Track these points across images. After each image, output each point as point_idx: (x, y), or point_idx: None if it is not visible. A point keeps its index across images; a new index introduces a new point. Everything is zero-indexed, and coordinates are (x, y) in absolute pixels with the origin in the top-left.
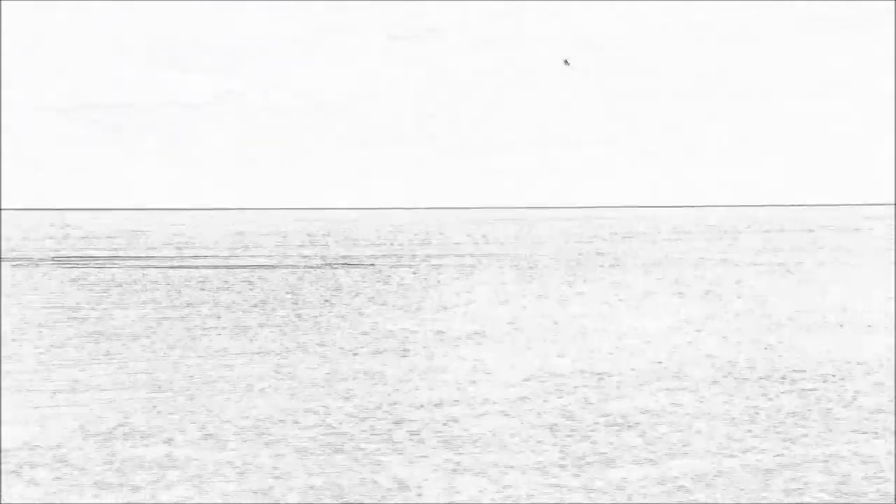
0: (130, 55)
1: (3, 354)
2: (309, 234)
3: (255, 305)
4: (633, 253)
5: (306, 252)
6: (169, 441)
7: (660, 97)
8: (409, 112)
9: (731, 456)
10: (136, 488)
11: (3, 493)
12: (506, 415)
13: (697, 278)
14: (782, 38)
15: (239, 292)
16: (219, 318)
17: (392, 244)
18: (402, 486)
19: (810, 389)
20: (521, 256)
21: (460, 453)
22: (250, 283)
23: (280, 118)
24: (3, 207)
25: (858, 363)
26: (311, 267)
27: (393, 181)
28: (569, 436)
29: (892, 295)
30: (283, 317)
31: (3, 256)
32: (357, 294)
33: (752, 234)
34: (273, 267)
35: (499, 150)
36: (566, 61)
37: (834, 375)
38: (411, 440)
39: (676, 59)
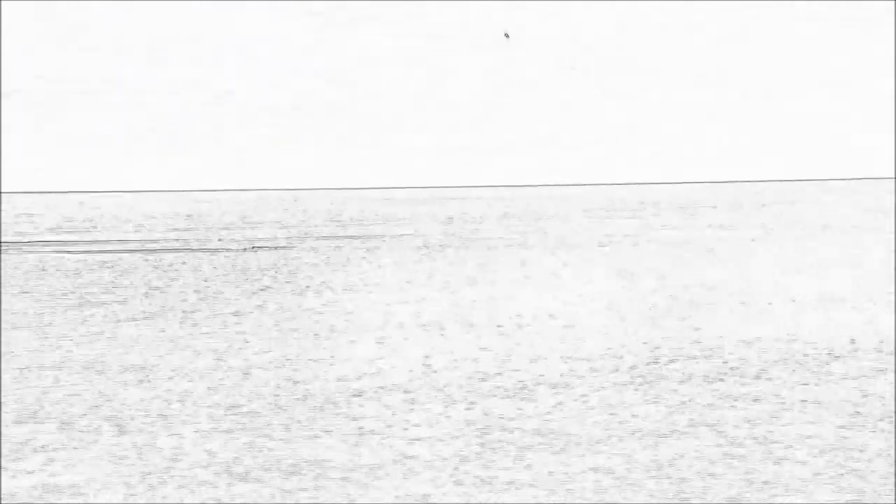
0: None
1: None
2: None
3: (159, 290)
4: (571, 231)
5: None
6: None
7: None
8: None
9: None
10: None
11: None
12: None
13: (612, 257)
14: (782, 36)
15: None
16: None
17: (298, 226)
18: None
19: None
20: (435, 236)
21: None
22: (156, 267)
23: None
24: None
25: (747, 341)
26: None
27: (297, 159)
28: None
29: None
30: (190, 303)
31: None
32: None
33: (708, 211)
34: (179, 251)
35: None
36: (506, 34)
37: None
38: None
39: (664, 54)
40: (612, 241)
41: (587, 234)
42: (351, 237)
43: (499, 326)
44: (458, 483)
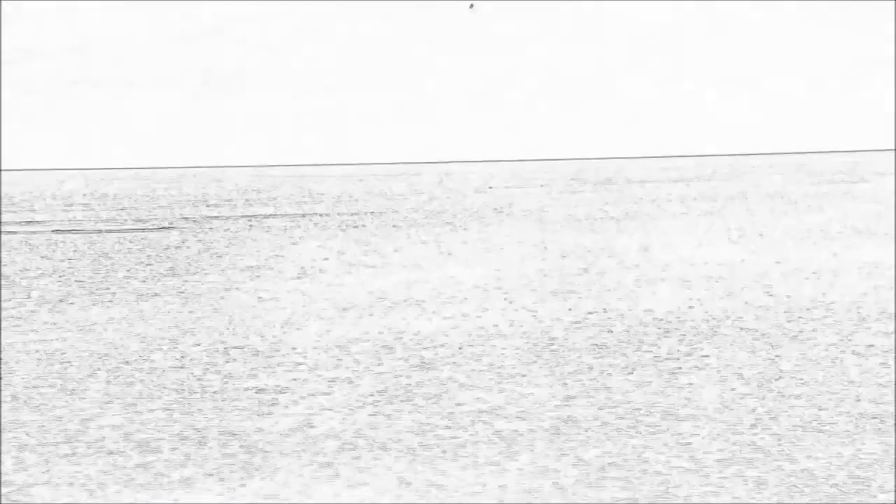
0: None
1: None
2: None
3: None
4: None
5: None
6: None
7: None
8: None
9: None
10: None
11: (2, 495)
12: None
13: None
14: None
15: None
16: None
17: (197, 204)
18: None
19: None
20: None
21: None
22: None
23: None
24: None
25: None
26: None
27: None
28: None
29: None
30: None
31: None
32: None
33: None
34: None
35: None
36: (471, 4)
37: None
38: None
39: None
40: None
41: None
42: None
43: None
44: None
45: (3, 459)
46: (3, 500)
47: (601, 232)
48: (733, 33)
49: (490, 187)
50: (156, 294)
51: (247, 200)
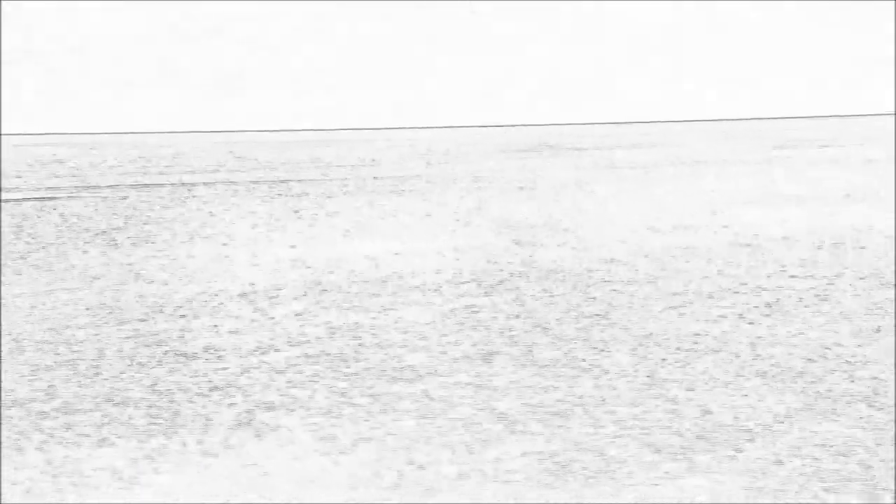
0: None
1: None
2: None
3: None
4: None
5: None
6: None
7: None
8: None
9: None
10: None
11: (2, 494)
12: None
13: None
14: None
15: None
16: None
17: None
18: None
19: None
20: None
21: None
22: None
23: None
24: None
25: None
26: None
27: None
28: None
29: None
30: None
31: None
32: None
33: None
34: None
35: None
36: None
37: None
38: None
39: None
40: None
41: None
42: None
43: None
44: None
45: None
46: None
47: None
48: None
49: (428, 155)
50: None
51: (170, 168)
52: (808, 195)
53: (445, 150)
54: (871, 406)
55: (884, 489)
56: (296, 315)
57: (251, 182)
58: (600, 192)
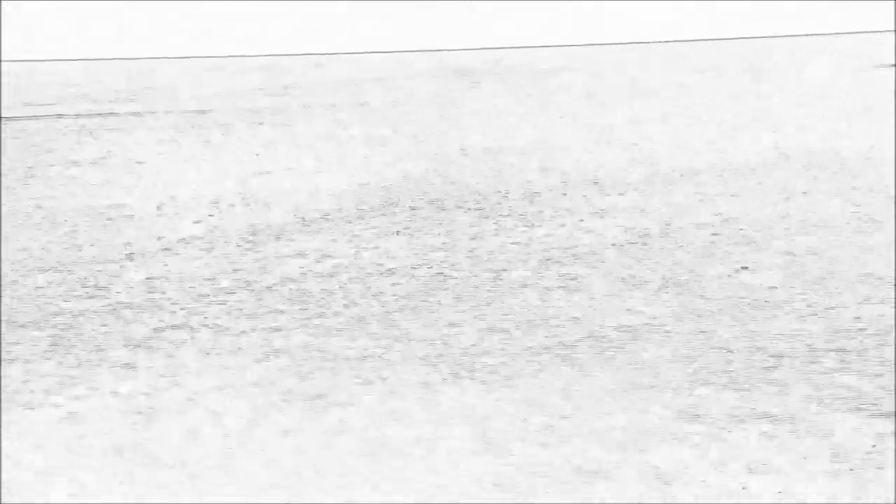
0: None
1: None
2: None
3: None
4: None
5: None
6: None
7: None
8: None
9: None
10: None
11: (2, 494)
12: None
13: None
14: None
15: None
16: None
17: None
18: None
19: None
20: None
21: None
22: None
23: None
24: None
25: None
26: None
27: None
28: None
29: None
30: None
31: None
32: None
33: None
34: None
35: None
36: None
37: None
38: None
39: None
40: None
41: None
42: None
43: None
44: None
45: None
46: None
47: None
48: None
49: (353, 81)
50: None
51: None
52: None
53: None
54: None
55: None
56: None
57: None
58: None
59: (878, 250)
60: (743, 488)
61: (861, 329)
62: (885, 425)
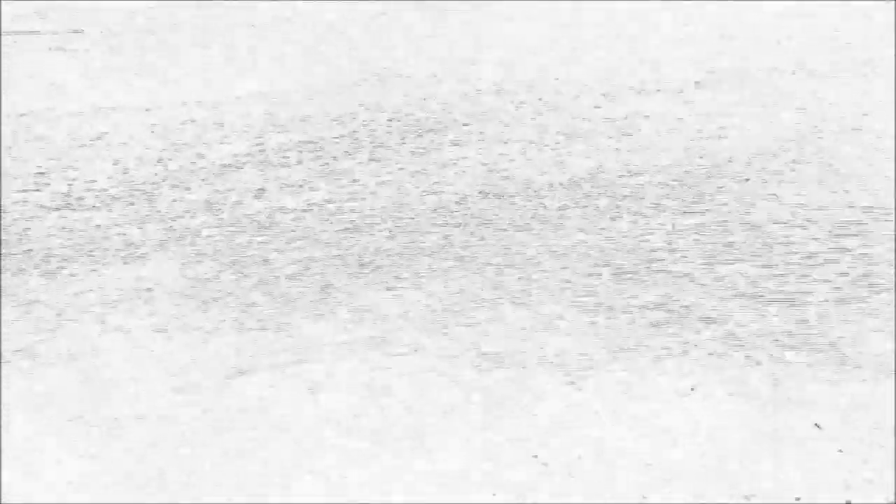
0: None
1: None
2: None
3: None
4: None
5: None
6: None
7: None
8: None
9: None
10: None
11: (2, 493)
12: None
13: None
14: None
15: None
16: None
17: None
18: None
19: None
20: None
21: None
22: None
23: None
24: None
25: None
26: None
27: None
28: None
29: None
30: None
31: None
32: None
33: None
34: None
35: None
36: None
37: None
38: None
39: None
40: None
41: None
42: None
43: None
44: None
45: None
46: (4, 500)
47: None
48: None
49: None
50: None
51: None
52: None
53: None
54: None
55: None
56: None
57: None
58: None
59: None
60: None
61: None
62: None
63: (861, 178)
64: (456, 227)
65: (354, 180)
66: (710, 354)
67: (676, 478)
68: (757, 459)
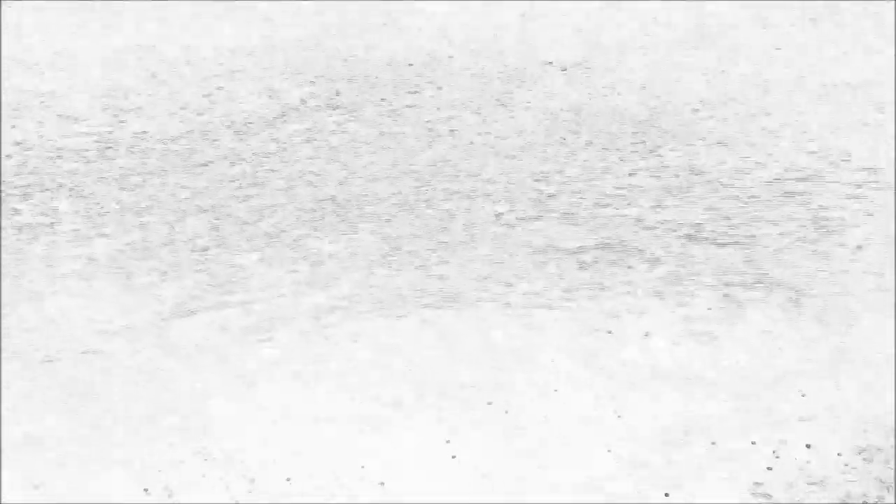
0: None
1: None
2: None
3: None
4: None
5: None
6: None
7: None
8: None
9: None
10: None
11: (2, 493)
12: None
13: None
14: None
15: None
16: None
17: None
18: None
19: None
20: None
21: None
22: None
23: None
24: None
25: None
26: None
27: None
28: None
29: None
30: None
31: None
32: None
33: None
34: None
35: None
36: None
37: None
38: None
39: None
40: None
41: None
42: None
43: None
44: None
45: None
46: (4, 500)
47: None
48: None
49: None
50: None
51: None
52: None
53: None
54: None
55: None
56: None
57: None
58: None
59: None
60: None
61: None
62: None
63: (806, 125)
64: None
65: None
66: (657, 292)
67: (635, 417)
68: (712, 395)
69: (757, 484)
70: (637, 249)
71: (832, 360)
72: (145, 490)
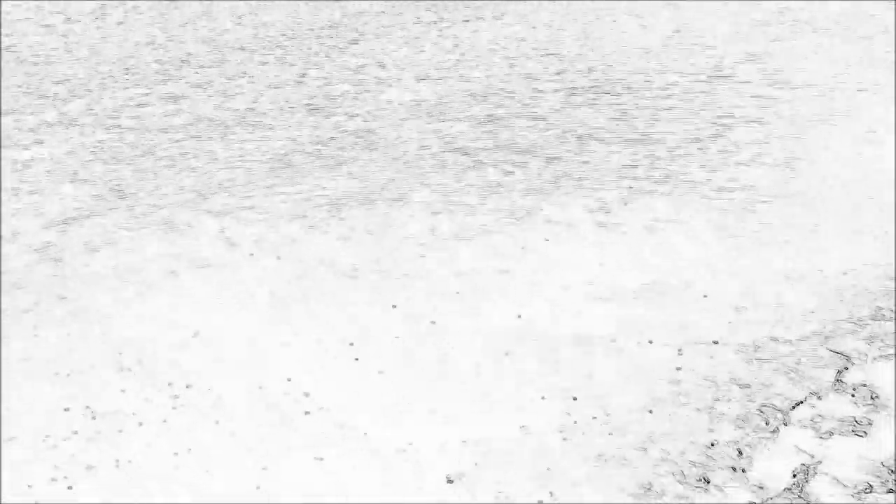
0: None
1: None
2: None
3: None
4: None
5: None
6: None
7: None
8: None
9: None
10: None
11: (2, 493)
12: None
13: None
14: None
15: None
16: None
17: None
18: None
19: None
20: None
21: None
22: None
23: None
24: None
25: None
26: None
27: None
28: None
29: None
30: None
31: None
32: None
33: None
34: None
35: None
36: None
37: None
38: None
39: None
40: None
41: None
42: None
43: None
44: None
45: None
46: (4, 500)
47: None
48: None
49: None
50: None
51: None
52: None
53: None
54: None
55: None
56: None
57: None
58: None
59: None
60: None
61: None
62: None
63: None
64: None
65: None
66: (578, 186)
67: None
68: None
69: None
70: None
71: None
72: (65, 409)
